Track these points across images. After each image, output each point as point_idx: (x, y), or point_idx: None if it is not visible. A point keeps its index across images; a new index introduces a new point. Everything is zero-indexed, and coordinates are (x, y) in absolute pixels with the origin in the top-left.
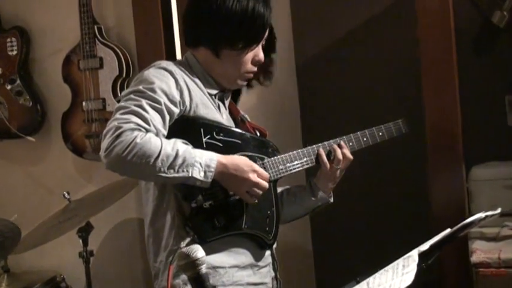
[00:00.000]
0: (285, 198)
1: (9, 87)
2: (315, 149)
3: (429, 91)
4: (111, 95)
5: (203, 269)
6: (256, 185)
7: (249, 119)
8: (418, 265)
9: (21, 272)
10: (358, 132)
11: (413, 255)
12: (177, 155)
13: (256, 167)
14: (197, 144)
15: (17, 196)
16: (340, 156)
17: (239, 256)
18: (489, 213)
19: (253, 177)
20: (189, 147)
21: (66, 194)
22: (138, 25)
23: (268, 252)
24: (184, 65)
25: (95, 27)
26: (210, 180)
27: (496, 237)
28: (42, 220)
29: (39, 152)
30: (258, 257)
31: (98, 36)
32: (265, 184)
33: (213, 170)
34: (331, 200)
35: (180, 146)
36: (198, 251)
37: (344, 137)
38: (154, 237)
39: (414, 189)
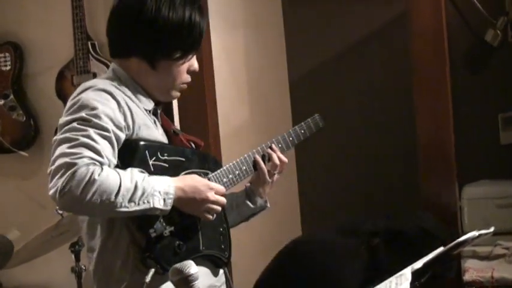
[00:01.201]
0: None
1: (2, 102)
2: (251, 155)
3: (422, 109)
4: None
5: (196, 285)
6: (216, 202)
7: (180, 131)
8: (411, 283)
9: (13, 287)
10: (284, 133)
11: (407, 273)
12: (136, 187)
13: (212, 184)
14: (144, 167)
15: (10, 210)
16: (276, 160)
17: (200, 278)
18: (482, 231)
19: (212, 195)
20: (146, 176)
21: (58, 209)
22: None
23: (221, 271)
24: (114, 79)
25: (89, 43)
26: (169, 207)
27: (488, 256)
28: (35, 235)
29: (32, 167)
30: (214, 276)
31: (92, 52)
32: (223, 200)
33: (172, 196)
34: (268, 205)
35: (137, 177)
36: (191, 267)
37: (273, 140)
38: (104, 272)
39: (406, 207)
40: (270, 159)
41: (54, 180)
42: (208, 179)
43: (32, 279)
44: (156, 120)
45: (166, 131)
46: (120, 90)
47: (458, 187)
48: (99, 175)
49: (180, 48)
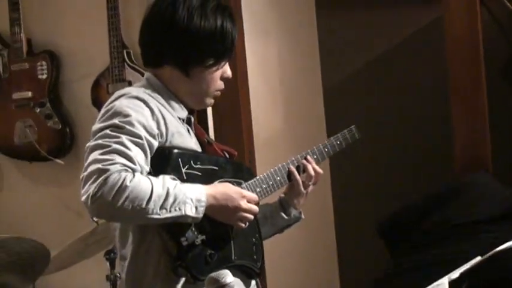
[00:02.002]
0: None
1: (38, 110)
2: (285, 166)
3: (458, 119)
4: None
5: None
6: (248, 210)
7: (213, 140)
8: None
9: None
10: (320, 144)
11: (444, 283)
12: (168, 193)
13: (245, 192)
14: (177, 175)
15: (46, 218)
16: (311, 171)
17: None
18: None
19: (244, 203)
20: (178, 183)
21: (94, 217)
22: None
23: (253, 282)
24: (148, 88)
25: (124, 51)
26: (201, 215)
27: None
28: (70, 242)
29: (68, 175)
30: (246, 287)
31: (127, 60)
32: (256, 208)
33: (203, 204)
34: (303, 216)
35: (169, 184)
36: (228, 276)
37: (308, 151)
38: (134, 280)
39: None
40: (305, 170)
41: (87, 186)
42: (242, 188)
43: (67, 287)
44: (189, 129)
45: (200, 140)
46: (153, 98)
47: None
48: (130, 181)
49: (212, 55)
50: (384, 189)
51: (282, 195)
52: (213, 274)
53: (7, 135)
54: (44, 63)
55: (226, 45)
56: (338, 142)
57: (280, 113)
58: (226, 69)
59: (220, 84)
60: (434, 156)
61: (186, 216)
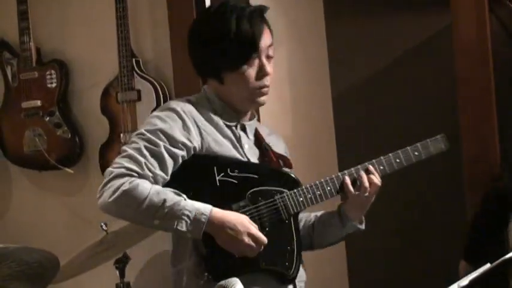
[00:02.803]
0: (315, 226)
1: (47, 119)
2: (340, 176)
3: (467, 125)
4: None
5: None
6: (249, 248)
7: (272, 147)
8: None
9: None
10: (390, 154)
11: None
12: (163, 205)
13: (253, 230)
14: (210, 183)
15: (55, 227)
16: (366, 183)
17: None
18: None
19: (247, 240)
20: (181, 199)
21: (103, 225)
22: (176, 58)
23: (290, 287)
24: (201, 98)
25: (133, 60)
26: (200, 234)
27: None
28: (79, 251)
29: (77, 184)
30: None
31: (136, 69)
32: (257, 249)
33: (202, 225)
34: (363, 227)
35: (168, 196)
36: (237, 285)
37: (373, 161)
38: (176, 278)
39: (451, 219)
40: (359, 181)
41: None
42: (282, 198)
43: None
44: (244, 135)
45: (260, 146)
46: (195, 107)
47: None
48: (128, 185)
49: (232, 58)
50: (393, 194)
51: (341, 204)
52: (222, 282)
53: (16, 144)
54: (53, 72)
55: (244, 47)
56: (416, 153)
57: (289, 122)
58: (262, 66)
59: (259, 83)
60: (443, 163)
61: (179, 231)
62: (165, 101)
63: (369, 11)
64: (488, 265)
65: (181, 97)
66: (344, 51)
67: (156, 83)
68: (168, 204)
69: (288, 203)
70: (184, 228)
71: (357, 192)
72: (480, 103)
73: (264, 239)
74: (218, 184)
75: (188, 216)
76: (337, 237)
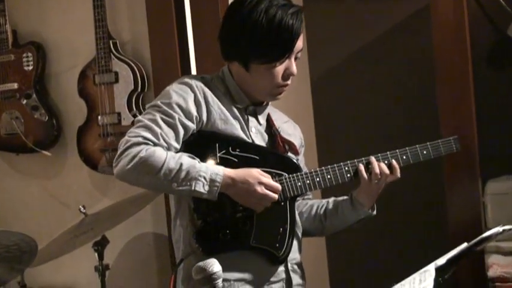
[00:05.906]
0: (328, 210)
1: (25, 101)
2: (342, 166)
3: (445, 105)
4: (126, 109)
5: (219, 283)
6: (265, 196)
7: (281, 132)
8: (435, 280)
9: (37, 287)
10: (397, 150)
11: (430, 269)
12: (180, 168)
13: (264, 179)
14: (211, 158)
15: (33, 210)
16: (377, 169)
17: (246, 270)
18: (506, 227)
19: (260, 189)
20: (195, 162)
21: (81, 208)
22: (153, 40)
23: (281, 268)
24: (216, 78)
25: (110, 42)
26: (215, 194)
27: None
28: (58, 234)
29: (55, 166)
30: (268, 272)
31: (113, 51)
32: (273, 196)
33: (218, 184)
34: (374, 213)
35: (184, 160)
36: (214, 265)
37: (379, 155)
38: (175, 242)
39: (430, 203)
40: (372, 167)
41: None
42: (281, 180)
43: (55, 279)
44: (253, 119)
45: (271, 131)
46: (207, 85)
47: (481, 182)
48: (146, 152)
49: (270, 52)
50: None
51: (353, 191)
52: (200, 263)
53: None
54: (29, 54)
55: (283, 42)
56: (425, 152)
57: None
58: (290, 66)
59: (282, 81)
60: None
61: (197, 192)
62: (142, 82)
63: None
64: (465, 244)
65: (180, 77)
66: (322, 32)
67: (133, 65)
68: (184, 167)
69: (285, 186)
70: (202, 189)
71: (374, 180)
72: (458, 82)
73: (278, 185)
74: (219, 161)
75: (204, 178)
76: (347, 223)
